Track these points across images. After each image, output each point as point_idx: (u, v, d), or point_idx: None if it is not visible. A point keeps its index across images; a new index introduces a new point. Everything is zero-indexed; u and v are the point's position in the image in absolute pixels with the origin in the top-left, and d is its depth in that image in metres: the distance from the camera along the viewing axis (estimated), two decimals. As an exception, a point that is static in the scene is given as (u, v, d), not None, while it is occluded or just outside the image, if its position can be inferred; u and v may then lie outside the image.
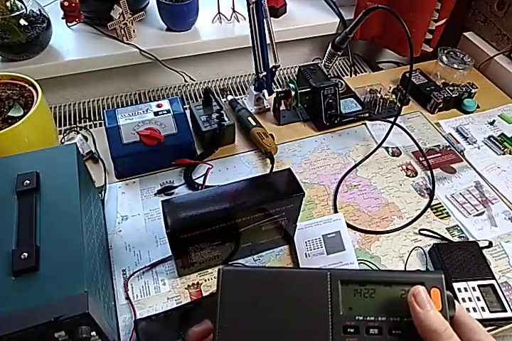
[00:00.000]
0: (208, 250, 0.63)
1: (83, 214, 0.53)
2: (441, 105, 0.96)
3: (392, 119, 0.88)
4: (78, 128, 0.90)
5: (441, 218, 0.78)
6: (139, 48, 0.98)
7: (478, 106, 0.99)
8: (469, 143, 0.92)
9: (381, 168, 0.86)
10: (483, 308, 0.63)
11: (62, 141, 0.85)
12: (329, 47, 0.91)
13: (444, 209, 0.79)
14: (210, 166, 0.83)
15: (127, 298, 0.65)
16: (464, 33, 1.14)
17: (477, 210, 0.79)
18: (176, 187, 0.80)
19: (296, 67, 1.18)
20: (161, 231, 0.70)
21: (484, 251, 0.71)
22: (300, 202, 0.63)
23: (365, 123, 0.95)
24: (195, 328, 0.32)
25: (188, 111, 0.86)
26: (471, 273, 0.66)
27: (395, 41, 1.10)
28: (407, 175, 0.85)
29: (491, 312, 0.62)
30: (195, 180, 0.81)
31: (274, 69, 0.87)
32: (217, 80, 1.14)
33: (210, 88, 0.95)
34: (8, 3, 0.84)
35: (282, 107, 0.91)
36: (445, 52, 1.00)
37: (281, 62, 0.88)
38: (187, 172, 0.81)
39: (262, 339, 0.29)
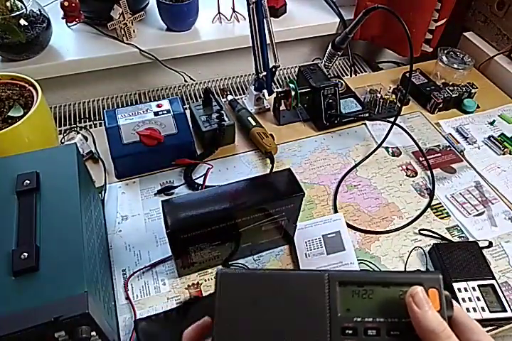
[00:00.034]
0: (207, 250, 0.63)
1: (83, 214, 0.53)
2: (441, 105, 0.96)
3: (392, 119, 0.88)
4: (78, 128, 0.90)
5: (441, 218, 0.78)
6: (139, 48, 0.98)
7: (478, 106, 0.99)
8: (469, 143, 0.92)
9: (381, 168, 0.86)
10: (483, 308, 0.63)
11: (62, 141, 0.85)
12: (329, 47, 0.91)
13: (444, 209, 0.79)
14: (210, 166, 0.83)
15: (127, 298, 0.65)
16: (464, 33, 1.14)
17: (477, 210, 0.79)
18: (176, 187, 0.80)
19: (296, 67, 1.18)
20: (161, 231, 0.70)
21: (484, 251, 0.71)
22: (300, 202, 0.63)
23: (365, 123, 0.95)
24: (194, 325, 0.32)
25: (188, 111, 0.86)
26: (471, 273, 0.66)
27: (395, 41, 1.10)
28: (407, 175, 0.85)
29: (491, 312, 0.62)
30: (195, 180, 0.81)
31: (274, 69, 0.87)
32: (217, 80, 1.14)
33: (210, 88, 0.95)
34: (8, 3, 0.84)
35: (282, 107, 0.91)
36: (445, 52, 1.00)
37: (281, 62, 0.88)
38: (187, 172, 0.81)
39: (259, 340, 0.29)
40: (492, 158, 0.89)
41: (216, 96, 0.84)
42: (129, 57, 1.00)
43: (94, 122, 1.00)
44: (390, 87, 1.02)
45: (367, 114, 0.94)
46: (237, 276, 0.31)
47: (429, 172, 0.85)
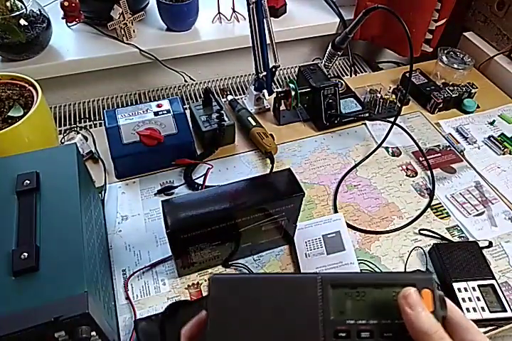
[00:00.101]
0: (208, 250, 0.63)
1: (83, 214, 0.53)
2: (441, 105, 0.96)
3: (392, 119, 0.88)
4: (78, 128, 0.90)
5: (441, 218, 0.78)
6: (139, 48, 0.98)
7: (478, 106, 0.99)
8: (469, 143, 0.92)
9: (381, 168, 0.86)
10: (483, 308, 0.63)
11: (62, 141, 0.85)
12: (329, 47, 0.91)
13: (444, 209, 0.79)
14: (210, 166, 0.83)
15: (127, 298, 0.65)
16: (464, 33, 1.14)
17: (477, 210, 0.79)
18: (176, 187, 0.80)
19: (296, 67, 1.18)
20: (161, 231, 0.70)
21: (484, 251, 0.71)
22: (300, 202, 0.63)
23: (365, 123, 0.95)
24: (191, 322, 0.32)
25: (188, 111, 0.86)
26: (471, 273, 0.66)
27: (395, 41, 1.10)
28: (407, 175, 0.85)
29: (491, 312, 0.62)
30: (195, 180, 0.81)
31: (274, 69, 0.87)
32: (217, 80, 1.14)
33: (210, 88, 0.95)
34: (8, 3, 0.84)
35: (282, 107, 0.91)
36: (445, 52, 1.00)
37: (281, 62, 0.88)
38: (187, 172, 0.81)
39: None
40: (492, 158, 0.89)
41: (216, 96, 0.84)
42: (129, 57, 1.00)
43: (94, 122, 1.00)
44: (390, 87, 1.02)
45: (367, 114, 0.94)
46: (230, 281, 0.31)
47: (429, 172, 0.85)
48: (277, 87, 1.12)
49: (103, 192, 0.78)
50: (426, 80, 1.00)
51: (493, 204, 0.80)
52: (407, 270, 0.70)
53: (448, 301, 0.30)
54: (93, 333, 0.47)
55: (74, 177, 0.56)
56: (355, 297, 0.30)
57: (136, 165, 0.80)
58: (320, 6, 1.15)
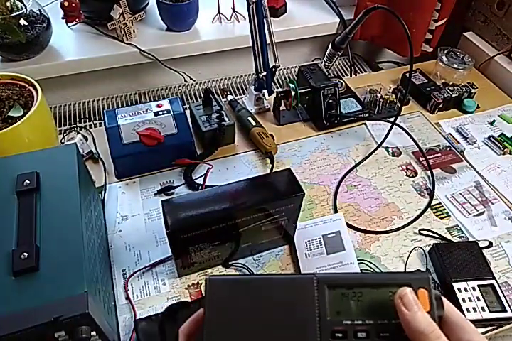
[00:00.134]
0: (208, 250, 0.63)
1: (83, 214, 0.53)
2: (441, 105, 0.96)
3: (392, 119, 0.88)
4: (78, 128, 0.90)
5: (441, 218, 0.78)
6: (139, 48, 0.98)
7: (478, 106, 0.99)
8: (469, 143, 0.92)
9: (381, 168, 0.86)
10: (483, 308, 0.63)
11: (62, 141, 0.85)
12: (329, 47, 0.91)
13: (444, 209, 0.79)
14: (210, 166, 0.83)
15: (127, 298, 0.65)
16: (464, 33, 1.14)
17: (477, 210, 0.79)
18: (176, 187, 0.80)
19: (296, 67, 1.18)
20: (161, 231, 0.70)
21: (484, 251, 0.71)
22: (300, 202, 0.63)
23: (365, 123, 0.95)
24: (189, 320, 0.32)
25: (188, 111, 0.86)
26: (471, 273, 0.66)
27: (395, 41, 1.10)
28: (407, 175, 0.85)
29: (491, 312, 0.62)
30: (195, 180, 0.81)
31: (274, 69, 0.87)
32: (217, 80, 1.14)
33: (210, 88, 0.95)
34: (8, 3, 0.84)
35: (282, 107, 0.91)
36: (445, 52, 1.00)
37: (281, 62, 0.88)
38: (187, 172, 0.81)
39: None
40: (492, 158, 0.89)
41: (216, 96, 0.84)
42: (129, 57, 1.00)
43: (94, 122, 1.00)
44: (390, 87, 1.02)
45: (367, 114, 0.94)
46: (226, 282, 0.31)
47: (429, 172, 0.85)
48: (277, 87, 1.12)
49: (103, 192, 0.78)
50: (426, 80, 1.00)
51: (493, 204, 0.80)
52: (407, 270, 0.70)
53: (445, 300, 0.30)
54: (93, 333, 0.47)
55: (74, 177, 0.56)
56: (352, 297, 0.30)
57: (136, 165, 0.80)
58: (320, 6, 1.15)
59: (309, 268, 0.68)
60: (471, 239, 0.75)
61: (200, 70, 1.14)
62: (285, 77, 1.18)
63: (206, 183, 0.81)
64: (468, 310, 0.63)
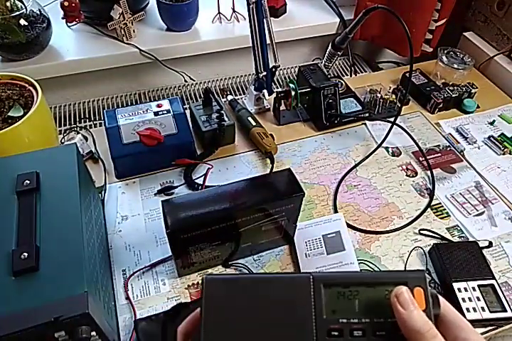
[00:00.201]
0: (208, 250, 0.63)
1: (83, 214, 0.53)
2: (441, 105, 0.96)
3: (392, 119, 0.88)
4: (78, 128, 0.90)
5: (441, 218, 0.78)
6: (139, 48, 0.98)
7: (478, 106, 0.99)
8: (469, 143, 0.92)
9: (381, 168, 0.86)
10: (483, 308, 0.63)
11: (62, 141, 0.85)
12: (329, 47, 0.91)
13: (444, 209, 0.79)
14: (210, 166, 0.83)
15: (127, 298, 0.65)
16: (464, 33, 1.14)
17: (477, 210, 0.79)
18: (176, 187, 0.80)
19: (296, 67, 1.18)
20: (161, 231, 0.70)
21: (484, 251, 0.71)
22: (300, 202, 0.63)
23: (365, 123, 0.95)
24: (187, 319, 0.32)
25: (188, 111, 0.86)
26: (471, 273, 0.66)
27: (395, 41, 1.10)
28: (407, 175, 0.85)
29: (491, 312, 0.62)
30: (195, 180, 0.81)
31: (274, 69, 0.87)
32: (217, 80, 1.14)
33: (210, 88, 0.95)
34: (8, 3, 0.84)
35: (282, 107, 0.91)
36: (445, 52, 1.00)
37: (281, 62, 0.88)
38: (187, 172, 0.81)
39: None
40: (492, 158, 0.89)
41: (216, 96, 0.84)
42: (129, 57, 1.00)
43: (94, 122, 1.00)
44: (390, 87, 1.02)
45: (367, 114, 0.94)
46: (223, 281, 0.31)
47: (429, 172, 0.85)
48: (277, 87, 1.12)
49: (103, 192, 0.78)
50: (426, 80, 1.00)
51: (493, 204, 0.80)
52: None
53: (441, 299, 0.30)
54: (93, 333, 0.47)
55: (74, 177, 0.56)
56: (348, 296, 0.30)
57: (136, 165, 0.80)
58: (320, 6, 1.15)
59: (309, 268, 0.68)
60: (471, 239, 0.75)
61: (200, 70, 1.14)
62: (285, 77, 1.18)
63: (206, 183, 0.81)
64: (468, 310, 0.63)
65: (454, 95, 0.96)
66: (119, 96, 1.08)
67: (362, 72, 1.19)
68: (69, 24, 1.01)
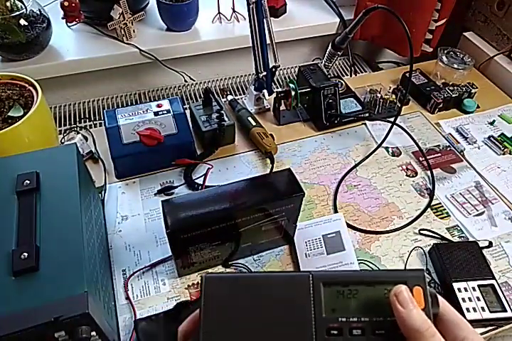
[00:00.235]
0: (207, 250, 0.63)
1: (83, 214, 0.53)
2: (441, 105, 0.96)
3: (392, 119, 0.88)
4: (78, 128, 0.90)
5: (441, 218, 0.78)
6: (139, 48, 0.98)
7: (478, 106, 0.99)
8: (469, 143, 0.92)
9: (381, 168, 0.86)
10: (483, 308, 0.63)
11: (62, 141, 0.85)
12: (329, 47, 0.91)
13: (444, 209, 0.79)
14: (210, 166, 0.83)
15: (127, 298, 0.65)
16: (464, 33, 1.14)
17: (477, 210, 0.79)
18: (176, 187, 0.80)
19: (296, 67, 1.18)
20: (161, 231, 0.70)
21: (484, 251, 0.71)
22: (300, 202, 0.63)
23: (365, 123, 0.95)
24: (188, 319, 0.32)
25: (188, 111, 0.86)
26: (471, 273, 0.66)
27: (395, 41, 1.10)
28: (407, 175, 0.85)
29: (491, 312, 0.62)
30: (195, 180, 0.81)
31: (274, 69, 0.87)
32: (217, 80, 1.14)
33: (210, 88, 0.95)
34: (8, 3, 0.84)
35: (282, 107, 0.91)
36: (445, 52, 1.00)
37: (281, 62, 0.88)
38: (187, 172, 0.81)
39: None
40: (492, 158, 0.89)
41: (216, 96, 0.84)
42: (129, 57, 1.00)
43: (94, 122, 1.00)
44: (390, 87, 1.02)
45: (367, 114, 0.94)
46: (222, 280, 0.31)
47: (429, 172, 0.85)
48: (277, 87, 1.12)
49: (103, 192, 0.78)
50: (426, 80, 1.00)
51: (493, 204, 0.80)
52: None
53: (440, 298, 0.30)
54: (93, 333, 0.47)
55: (74, 177, 0.56)
56: (347, 295, 0.30)
57: (136, 165, 0.80)
58: (320, 6, 1.15)
59: (309, 268, 0.68)
60: (471, 239, 0.75)
61: (200, 70, 1.14)
62: (285, 77, 1.18)
63: (206, 183, 0.81)
64: (468, 310, 0.63)
65: (454, 95, 0.96)
66: (119, 96, 1.08)
67: (362, 72, 1.19)
68: (69, 24, 1.01)
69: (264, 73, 0.86)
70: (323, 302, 0.30)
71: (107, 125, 0.79)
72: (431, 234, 0.75)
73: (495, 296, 0.64)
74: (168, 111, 0.82)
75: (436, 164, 0.87)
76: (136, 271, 0.68)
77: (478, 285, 0.65)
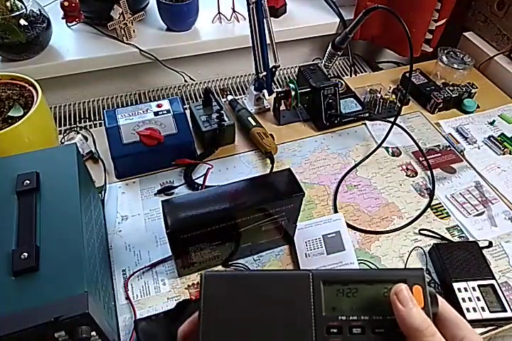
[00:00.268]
0: (208, 250, 0.63)
1: (83, 214, 0.53)
2: (441, 105, 0.96)
3: (392, 119, 0.88)
4: (78, 128, 0.90)
5: (441, 218, 0.78)
6: (139, 48, 0.98)
7: (478, 106, 0.99)
8: (469, 143, 0.92)
9: (381, 168, 0.86)
10: (483, 308, 0.63)
11: (62, 141, 0.85)
12: (329, 47, 0.91)
13: (444, 209, 0.79)
14: (210, 166, 0.83)
15: (127, 298, 0.65)
16: (464, 33, 1.14)
17: (477, 210, 0.79)
18: (176, 187, 0.80)
19: (296, 67, 1.18)
20: (161, 231, 0.70)
21: (484, 251, 0.71)
22: (300, 202, 0.63)
23: (365, 123, 0.95)
24: (188, 321, 0.32)
25: (188, 111, 0.86)
26: (471, 273, 0.66)
27: (395, 41, 1.10)
28: (407, 175, 0.85)
29: (491, 312, 0.62)
30: (195, 180, 0.81)
31: (274, 69, 0.87)
32: (217, 80, 1.14)
33: (210, 88, 0.95)
34: (8, 3, 0.84)
35: (282, 107, 0.91)
36: (445, 52, 1.00)
37: (281, 62, 0.88)
38: (187, 172, 0.81)
39: None
40: (492, 158, 0.89)
41: (216, 96, 0.84)
42: (129, 57, 1.00)
43: (94, 122, 1.00)
44: (390, 87, 1.02)
45: (367, 114, 0.94)
46: (222, 278, 0.31)
47: (429, 172, 0.85)
48: (277, 87, 1.12)
49: (103, 192, 0.78)
50: (426, 80, 1.00)
51: (493, 204, 0.80)
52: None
53: (439, 298, 0.30)
54: (93, 333, 0.47)
55: (74, 177, 0.56)
56: (347, 293, 0.30)
57: (136, 165, 0.80)
58: (320, 6, 1.15)
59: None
60: (471, 239, 0.75)
61: (200, 70, 1.14)
62: (285, 77, 1.18)
63: (206, 183, 0.81)
64: (468, 310, 0.63)
65: (454, 95, 0.96)
66: (119, 96, 1.08)
67: (362, 72, 1.19)
68: (69, 24, 1.01)
69: (264, 73, 0.86)
70: (323, 300, 0.30)
71: (107, 125, 0.79)
72: (431, 234, 0.75)
73: (495, 296, 0.64)
74: (168, 111, 0.82)
75: (436, 164, 0.87)
76: (136, 271, 0.68)
77: (478, 285, 0.65)
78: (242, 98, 1.01)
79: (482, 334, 0.64)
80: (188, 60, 1.07)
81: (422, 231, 0.76)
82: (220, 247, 0.64)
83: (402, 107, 0.90)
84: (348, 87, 0.99)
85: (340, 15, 1.11)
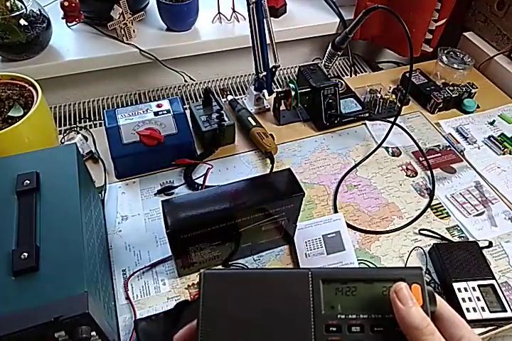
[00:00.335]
0: (208, 250, 0.63)
1: (83, 214, 0.53)
2: (441, 105, 0.96)
3: (392, 119, 0.88)
4: (78, 128, 0.90)
5: (441, 218, 0.78)
6: (139, 48, 0.98)
7: (478, 106, 0.99)
8: (469, 143, 0.92)
9: (381, 168, 0.86)
10: (483, 308, 0.63)
11: (62, 141, 0.85)
12: (329, 47, 0.91)
13: (444, 209, 0.79)
14: (210, 166, 0.83)
15: (127, 298, 0.65)
16: (464, 33, 1.14)
17: (477, 210, 0.79)
18: (176, 187, 0.80)
19: (296, 67, 1.18)
20: (161, 231, 0.70)
21: (484, 251, 0.71)
22: (300, 202, 0.63)
23: (365, 123, 0.95)
24: (184, 328, 0.32)
25: (188, 111, 0.86)
26: (471, 273, 0.66)
27: (395, 41, 1.10)
28: (407, 175, 0.85)
29: (491, 312, 0.62)
30: (195, 180, 0.81)
31: (274, 69, 0.87)
32: (217, 80, 1.14)
33: (210, 88, 0.95)
34: (8, 3, 0.84)
35: (282, 107, 0.91)
36: (445, 52, 1.00)
37: (281, 62, 0.88)
38: (187, 172, 0.81)
39: (244, 340, 0.29)
40: (492, 158, 0.89)
41: (216, 96, 0.84)
42: (129, 57, 1.00)
43: (94, 122, 1.00)
44: (390, 87, 1.02)
45: (367, 114, 0.94)
46: (221, 276, 0.31)
47: (429, 172, 0.85)
48: (277, 87, 1.12)
49: (103, 192, 0.78)
50: (426, 80, 1.00)
51: (493, 204, 0.80)
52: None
53: (437, 297, 0.30)
54: (93, 333, 0.47)
55: (74, 177, 0.56)
56: (346, 292, 0.30)
57: (136, 165, 0.80)
58: (320, 6, 1.15)
59: (309, 268, 0.68)
60: (471, 239, 0.75)
61: (200, 70, 1.14)
62: (285, 77, 1.18)
63: (206, 183, 0.81)
64: (468, 310, 0.63)
65: (454, 95, 0.96)
66: (119, 96, 1.08)
67: (362, 72, 1.19)
68: (69, 24, 1.01)
69: (264, 73, 0.86)
70: (322, 299, 0.30)
71: (107, 125, 0.79)
72: (431, 234, 0.75)
73: (495, 296, 0.64)
74: (168, 111, 0.82)
75: (436, 164, 0.87)
76: (136, 271, 0.68)
77: (478, 285, 0.65)
78: (242, 98, 1.01)
79: (482, 334, 0.64)
80: (188, 60, 1.07)
81: (422, 231, 0.76)
82: (220, 247, 0.64)
83: (402, 107, 0.90)
84: (348, 87, 0.99)
85: (340, 15, 1.11)
